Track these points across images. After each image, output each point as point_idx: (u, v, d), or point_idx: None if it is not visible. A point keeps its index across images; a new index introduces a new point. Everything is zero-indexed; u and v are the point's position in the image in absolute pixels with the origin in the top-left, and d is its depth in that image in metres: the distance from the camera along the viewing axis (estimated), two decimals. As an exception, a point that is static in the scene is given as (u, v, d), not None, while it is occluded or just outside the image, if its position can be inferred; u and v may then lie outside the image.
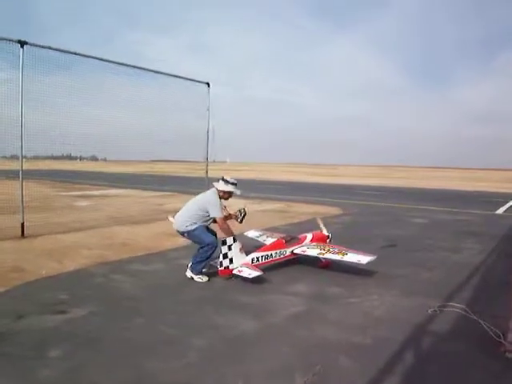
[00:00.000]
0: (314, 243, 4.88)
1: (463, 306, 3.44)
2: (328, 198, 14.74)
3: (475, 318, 3.19)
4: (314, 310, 3.44)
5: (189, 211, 4.26)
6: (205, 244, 4.15)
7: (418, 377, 2.40)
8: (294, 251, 4.73)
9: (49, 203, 9.78)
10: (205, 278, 4.15)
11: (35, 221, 6.84)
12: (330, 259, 4.54)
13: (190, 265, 4.24)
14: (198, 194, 4.51)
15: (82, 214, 8.74)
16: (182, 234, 4.28)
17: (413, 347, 2.75)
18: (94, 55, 6.67)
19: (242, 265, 4.13)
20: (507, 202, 14.56)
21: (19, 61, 5.68)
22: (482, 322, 3.08)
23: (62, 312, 3.20)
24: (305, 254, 4.67)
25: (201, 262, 4.16)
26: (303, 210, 10.61)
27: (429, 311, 3.37)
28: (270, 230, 6.18)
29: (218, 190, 4.32)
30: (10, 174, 6.37)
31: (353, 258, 4.31)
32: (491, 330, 2.92)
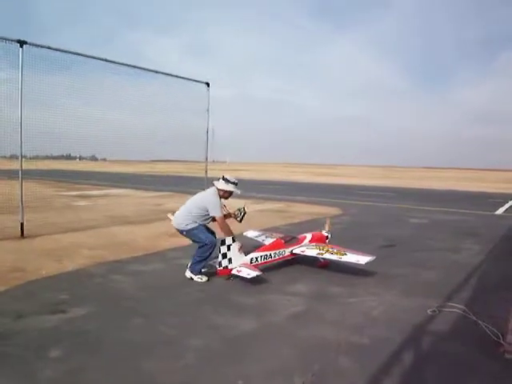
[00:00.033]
0: (313, 243, 4.89)
1: (462, 307, 3.44)
2: (328, 198, 14.74)
3: (474, 318, 3.20)
4: (313, 309, 3.44)
5: (188, 210, 4.25)
6: (204, 243, 4.15)
7: (417, 377, 2.40)
8: (293, 251, 4.73)
9: (48, 203, 9.78)
10: (204, 278, 4.15)
11: (35, 221, 6.84)
12: (328, 259, 4.55)
13: (189, 265, 4.24)
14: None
15: (81, 214, 8.75)
16: (181, 232, 4.28)
17: (412, 347, 2.75)
18: (93, 55, 6.68)
19: (241, 265, 4.13)
20: (507, 203, 14.57)
21: (19, 60, 5.68)
22: (481, 323, 3.08)
23: (62, 312, 3.20)
24: (304, 254, 4.68)
25: (200, 261, 4.16)
26: (303, 210, 10.62)
27: (428, 311, 3.37)
28: (270, 230, 6.19)
29: (219, 189, 4.31)
30: (12, 174, 6.37)
31: (352, 258, 4.32)
32: (490, 330, 2.92)
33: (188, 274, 4.21)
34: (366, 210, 11.53)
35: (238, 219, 4.59)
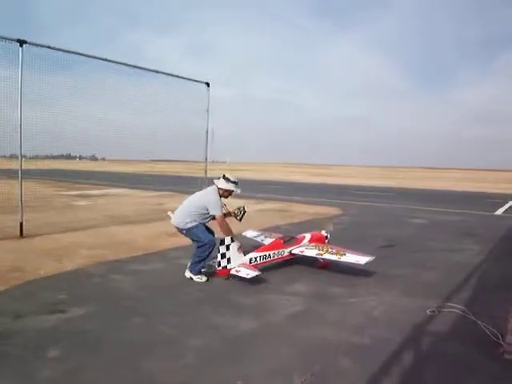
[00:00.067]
0: (312, 244, 4.88)
1: (462, 307, 3.44)
2: (328, 198, 14.74)
3: (474, 318, 3.20)
4: (312, 310, 3.43)
5: (188, 208, 4.23)
6: (203, 242, 4.14)
7: (416, 377, 2.40)
8: (293, 251, 4.73)
9: (48, 203, 9.77)
10: (204, 278, 4.14)
11: (34, 220, 6.84)
12: (328, 259, 4.54)
13: (188, 265, 4.23)
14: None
15: (81, 214, 8.74)
16: (181, 230, 4.27)
17: (412, 348, 2.75)
18: (94, 55, 6.67)
19: (240, 265, 4.12)
20: (506, 203, 14.58)
21: (18, 60, 5.68)
22: (480, 323, 3.08)
23: (61, 312, 3.19)
24: (303, 254, 4.67)
25: (199, 261, 4.15)
26: (303, 210, 10.62)
27: (427, 312, 3.37)
28: (269, 230, 6.18)
29: (219, 188, 4.30)
30: (12, 174, 6.37)
31: (351, 258, 4.31)
32: (490, 330, 2.92)
33: (188, 274, 4.20)
34: (366, 210, 11.53)
35: (238, 218, 4.58)
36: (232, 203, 4.72)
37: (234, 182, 4.31)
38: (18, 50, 5.68)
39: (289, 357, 2.57)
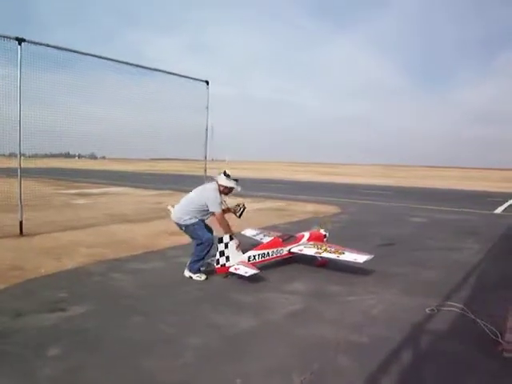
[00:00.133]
0: (311, 242, 4.89)
1: (461, 306, 3.44)
2: (327, 196, 14.74)
3: (473, 317, 3.20)
4: (311, 308, 3.44)
5: (188, 204, 4.22)
6: (201, 240, 4.14)
7: (415, 376, 2.40)
8: (291, 250, 4.73)
9: (47, 201, 9.77)
10: (203, 277, 4.15)
11: (34, 219, 6.84)
12: (326, 258, 4.55)
13: (187, 264, 4.23)
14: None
15: (81, 213, 8.74)
16: (180, 226, 4.26)
17: (411, 346, 2.76)
18: (93, 53, 6.66)
19: (239, 263, 4.13)
20: (506, 202, 14.58)
21: (17, 58, 5.66)
22: (479, 322, 3.08)
23: (61, 310, 3.20)
24: (302, 252, 4.68)
25: (198, 260, 4.16)
26: (302, 209, 10.62)
27: (427, 310, 3.37)
28: (268, 229, 6.19)
29: (219, 185, 4.28)
30: (11, 172, 6.37)
31: (349, 257, 4.32)
32: (489, 329, 2.93)
33: (187, 272, 4.20)
34: (365, 209, 11.54)
35: (238, 214, 4.57)
36: (231, 202, 4.71)
37: (234, 179, 4.30)
38: (17, 49, 5.67)
39: (288, 355, 2.58)
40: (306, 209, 10.67)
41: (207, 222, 4.37)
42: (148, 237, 6.34)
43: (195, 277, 4.14)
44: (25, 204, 6.17)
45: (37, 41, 5.88)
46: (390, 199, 14.59)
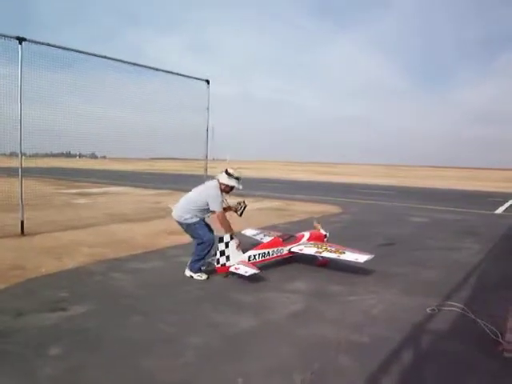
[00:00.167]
0: (311, 242, 4.89)
1: (462, 306, 3.45)
2: (328, 196, 14.74)
3: (473, 317, 3.20)
4: (312, 308, 3.44)
5: (189, 203, 4.20)
6: (202, 240, 4.13)
7: (416, 376, 2.40)
8: (292, 250, 4.73)
9: (48, 201, 9.77)
10: (204, 276, 4.15)
11: (34, 219, 6.84)
12: (327, 258, 4.55)
13: (188, 263, 4.23)
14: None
15: (81, 212, 8.75)
16: (181, 225, 4.25)
17: (411, 346, 2.76)
18: (94, 52, 6.65)
19: (239, 262, 4.13)
20: (506, 202, 14.57)
21: (18, 57, 5.67)
22: (480, 322, 3.08)
23: (62, 310, 3.20)
24: (302, 252, 4.68)
25: (198, 260, 4.15)
26: (302, 209, 10.62)
27: (427, 310, 3.37)
28: (268, 229, 6.19)
29: (220, 183, 4.27)
30: (12, 172, 6.38)
31: (350, 256, 4.32)
32: (489, 329, 2.93)
33: (187, 272, 4.20)
34: (366, 209, 11.53)
35: (239, 213, 4.55)
36: (231, 202, 4.71)
37: (236, 178, 4.28)
38: (18, 48, 5.67)
39: (288, 355, 2.58)
40: (307, 208, 10.66)
41: (208, 220, 4.36)
42: (148, 236, 6.34)
43: (196, 276, 4.14)
44: (26, 203, 6.17)
45: (37, 40, 5.88)
46: (392, 199, 14.59)
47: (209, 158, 8.86)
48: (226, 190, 4.30)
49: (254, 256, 4.35)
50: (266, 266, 4.43)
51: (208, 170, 8.74)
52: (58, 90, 6.46)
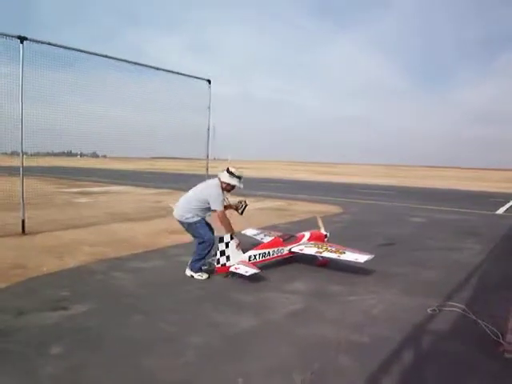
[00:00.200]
0: (311, 242, 4.89)
1: (462, 306, 3.44)
2: (328, 196, 14.73)
3: (474, 317, 3.20)
4: (312, 308, 3.44)
5: (189, 202, 4.19)
6: (203, 239, 4.13)
7: (416, 376, 2.40)
8: (292, 250, 4.74)
9: (49, 200, 9.79)
10: (204, 276, 4.15)
11: (36, 218, 6.86)
12: (327, 258, 4.55)
13: (189, 263, 4.24)
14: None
15: (82, 211, 8.76)
16: (182, 224, 4.25)
17: (412, 346, 2.76)
18: (94, 52, 6.66)
19: (239, 262, 4.13)
20: (507, 202, 14.54)
21: (19, 56, 5.67)
22: (480, 322, 3.08)
23: (63, 309, 3.21)
24: (302, 252, 4.68)
25: (199, 259, 4.16)
26: (303, 209, 10.61)
27: (428, 310, 3.37)
28: (268, 229, 6.19)
29: (221, 181, 4.26)
30: (13, 171, 6.40)
31: (350, 256, 4.32)
32: (490, 329, 2.93)
33: (188, 272, 4.21)
34: (367, 209, 11.53)
35: (240, 211, 4.55)
36: (231, 201, 4.71)
37: (237, 177, 4.27)
38: (19, 47, 5.68)
39: (288, 355, 2.58)
40: (308, 208, 10.66)
41: (208, 219, 4.36)
42: (148, 235, 6.35)
43: (196, 276, 4.15)
44: (27, 202, 6.18)
45: (39, 39, 5.89)
46: (392, 199, 14.57)
47: (210, 157, 8.86)
48: (228, 188, 4.29)
49: (255, 256, 4.36)
50: (266, 266, 4.44)
51: (209, 169, 8.75)
52: (59, 89, 6.47)
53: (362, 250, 4.55)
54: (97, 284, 3.92)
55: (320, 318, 3.20)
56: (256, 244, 4.85)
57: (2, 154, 6.98)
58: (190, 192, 4.33)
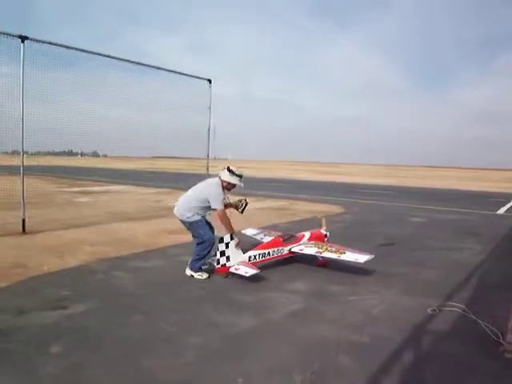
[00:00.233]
0: (311, 242, 4.89)
1: (462, 306, 3.44)
2: (329, 196, 14.73)
3: (474, 317, 3.20)
4: (312, 308, 3.44)
5: (189, 201, 4.19)
6: (203, 239, 4.13)
7: (416, 376, 2.40)
8: (292, 249, 4.73)
9: (50, 199, 9.80)
10: (205, 275, 4.15)
11: (36, 217, 6.87)
12: (327, 258, 4.55)
13: (189, 263, 4.24)
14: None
15: (83, 210, 8.77)
16: (183, 223, 4.25)
17: (412, 346, 2.76)
18: (95, 51, 6.65)
19: (239, 263, 4.12)
20: (508, 202, 14.52)
21: (20, 56, 5.68)
22: (480, 322, 3.08)
23: (63, 308, 3.21)
24: (302, 252, 4.68)
25: (199, 259, 4.16)
26: (305, 208, 10.61)
27: (428, 310, 3.37)
28: (269, 228, 6.19)
29: (222, 180, 4.26)
30: (14, 170, 6.40)
31: (350, 256, 4.32)
32: (490, 330, 2.93)
33: (188, 271, 4.21)
34: (367, 209, 11.52)
35: (240, 210, 4.54)
36: (232, 200, 4.71)
37: (238, 176, 4.25)
38: (20, 46, 5.68)
39: (288, 355, 2.58)
40: (309, 208, 10.66)
41: (208, 218, 4.36)
42: (149, 235, 6.35)
43: (197, 275, 4.15)
44: (27, 202, 6.19)
45: (39, 38, 5.89)
46: (392, 199, 14.56)
47: (210, 157, 8.86)
48: (228, 187, 4.28)
49: (255, 256, 4.35)
50: (266, 266, 4.43)
51: (209, 168, 8.74)
52: (59, 89, 6.47)
53: (362, 250, 4.55)
54: (97, 283, 3.92)
55: (320, 318, 3.20)
56: (256, 244, 4.85)
57: (3, 153, 6.98)
58: (190, 191, 4.32)
